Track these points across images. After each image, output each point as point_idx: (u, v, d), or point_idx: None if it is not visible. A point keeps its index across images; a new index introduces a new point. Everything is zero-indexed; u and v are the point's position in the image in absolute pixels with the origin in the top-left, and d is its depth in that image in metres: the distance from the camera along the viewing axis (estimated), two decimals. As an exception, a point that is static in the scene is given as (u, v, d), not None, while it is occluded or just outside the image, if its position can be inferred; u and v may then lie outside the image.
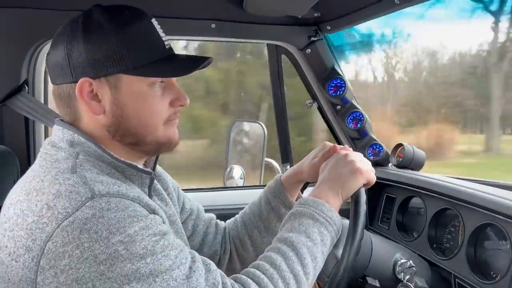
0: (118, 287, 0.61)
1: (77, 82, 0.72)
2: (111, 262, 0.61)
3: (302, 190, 1.09)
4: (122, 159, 0.75)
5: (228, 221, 1.12)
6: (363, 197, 0.88)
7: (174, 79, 0.80)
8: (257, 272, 0.75)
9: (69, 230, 0.61)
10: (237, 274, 0.76)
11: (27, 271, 0.62)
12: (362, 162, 0.90)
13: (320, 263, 0.81)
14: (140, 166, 0.80)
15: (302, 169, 1.02)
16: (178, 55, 0.79)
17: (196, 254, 0.72)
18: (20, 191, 0.70)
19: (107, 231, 0.61)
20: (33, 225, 0.63)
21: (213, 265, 0.72)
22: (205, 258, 0.73)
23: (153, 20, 0.77)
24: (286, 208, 1.02)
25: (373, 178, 0.91)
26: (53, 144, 0.74)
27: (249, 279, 0.73)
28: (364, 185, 0.90)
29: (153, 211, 0.70)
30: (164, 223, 0.72)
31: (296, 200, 1.04)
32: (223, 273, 0.72)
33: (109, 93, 0.74)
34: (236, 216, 1.11)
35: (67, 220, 0.62)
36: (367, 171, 0.90)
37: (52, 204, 0.64)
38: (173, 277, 0.64)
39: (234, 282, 0.72)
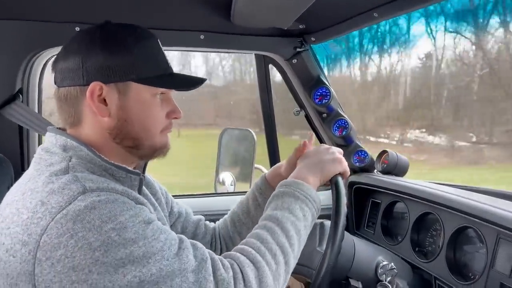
0: (114, 271, 0.64)
1: (87, 85, 0.77)
2: (105, 248, 0.64)
3: None
4: (112, 161, 0.79)
5: (217, 222, 1.17)
6: (341, 182, 0.96)
7: (171, 94, 0.87)
8: (245, 247, 0.79)
9: (62, 222, 0.64)
10: (227, 252, 0.81)
11: (24, 264, 0.65)
12: (341, 155, 1.01)
13: (303, 236, 0.87)
14: (130, 168, 0.85)
15: (281, 164, 1.10)
16: (177, 73, 0.87)
17: (183, 236, 0.76)
18: (15, 192, 0.73)
19: (100, 220, 0.65)
20: (28, 220, 0.66)
21: (199, 244, 0.76)
22: (192, 240, 0.77)
23: (158, 41, 0.85)
24: None
25: (348, 170, 1.01)
26: (47, 150, 0.78)
27: (237, 253, 0.78)
28: (341, 174, 0.98)
29: (140, 203, 0.74)
30: (152, 213, 0.75)
31: None
32: (211, 251, 0.77)
33: (117, 98, 0.79)
34: (225, 216, 1.16)
35: (61, 213, 0.65)
36: (345, 163, 1.00)
37: (46, 200, 0.67)
38: (164, 257, 0.68)
39: (223, 258, 0.76)
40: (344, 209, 0.91)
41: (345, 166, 0.99)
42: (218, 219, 1.19)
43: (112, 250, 0.64)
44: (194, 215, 1.16)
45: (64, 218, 0.64)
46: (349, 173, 1.01)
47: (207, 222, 1.16)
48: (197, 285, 0.69)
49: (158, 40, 0.85)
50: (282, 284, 0.80)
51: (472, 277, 1.10)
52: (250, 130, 1.86)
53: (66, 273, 0.63)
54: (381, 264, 1.14)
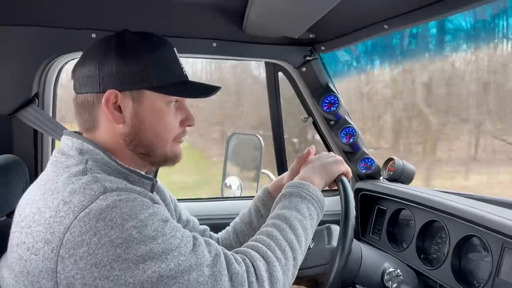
0: (135, 267, 0.67)
1: (104, 92, 0.80)
2: (127, 245, 0.67)
3: None
4: (127, 166, 0.82)
5: (219, 233, 1.19)
6: (346, 180, 1.01)
7: (185, 102, 0.89)
8: (256, 243, 0.83)
9: (86, 220, 0.67)
10: (237, 248, 0.83)
11: (47, 262, 0.67)
12: (342, 159, 1.06)
13: (310, 234, 0.90)
14: (142, 173, 0.87)
15: (284, 176, 1.13)
16: (192, 81, 0.89)
17: (196, 234, 0.79)
18: (35, 192, 0.75)
19: (121, 218, 0.68)
20: (51, 219, 0.68)
21: (211, 241, 0.79)
22: (204, 237, 0.80)
23: (174, 49, 0.87)
24: None
25: (350, 171, 1.06)
26: (63, 153, 0.81)
27: (248, 249, 0.81)
28: (344, 174, 1.02)
29: (156, 203, 0.78)
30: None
31: None
32: (223, 247, 0.80)
33: (131, 106, 0.81)
34: (228, 227, 1.18)
35: (83, 212, 0.67)
36: (347, 165, 1.05)
37: (68, 199, 0.69)
38: (181, 253, 0.71)
39: (235, 254, 0.79)
40: (352, 202, 0.95)
41: (347, 166, 1.04)
42: (224, 223, 1.21)
43: (133, 247, 0.67)
44: (200, 220, 1.19)
45: (87, 216, 0.67)
46: (351, 173, 1.06)
47: (212, 233, 1.19)
48: (213, 278, 0.72)
49: (174, 49, 0.87)
50: (290, 278, 0.83)
51: (477, 285, 1.11)
52: (258, 135, 1.89)
53: (88, 269, 0.66)
54: (387, 271, 1.15)
